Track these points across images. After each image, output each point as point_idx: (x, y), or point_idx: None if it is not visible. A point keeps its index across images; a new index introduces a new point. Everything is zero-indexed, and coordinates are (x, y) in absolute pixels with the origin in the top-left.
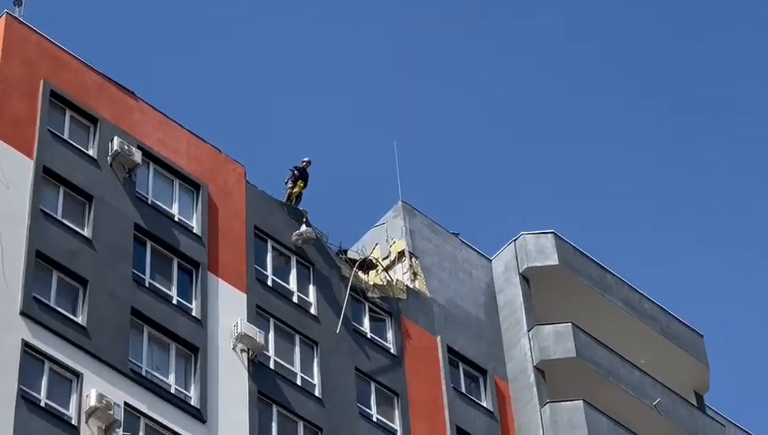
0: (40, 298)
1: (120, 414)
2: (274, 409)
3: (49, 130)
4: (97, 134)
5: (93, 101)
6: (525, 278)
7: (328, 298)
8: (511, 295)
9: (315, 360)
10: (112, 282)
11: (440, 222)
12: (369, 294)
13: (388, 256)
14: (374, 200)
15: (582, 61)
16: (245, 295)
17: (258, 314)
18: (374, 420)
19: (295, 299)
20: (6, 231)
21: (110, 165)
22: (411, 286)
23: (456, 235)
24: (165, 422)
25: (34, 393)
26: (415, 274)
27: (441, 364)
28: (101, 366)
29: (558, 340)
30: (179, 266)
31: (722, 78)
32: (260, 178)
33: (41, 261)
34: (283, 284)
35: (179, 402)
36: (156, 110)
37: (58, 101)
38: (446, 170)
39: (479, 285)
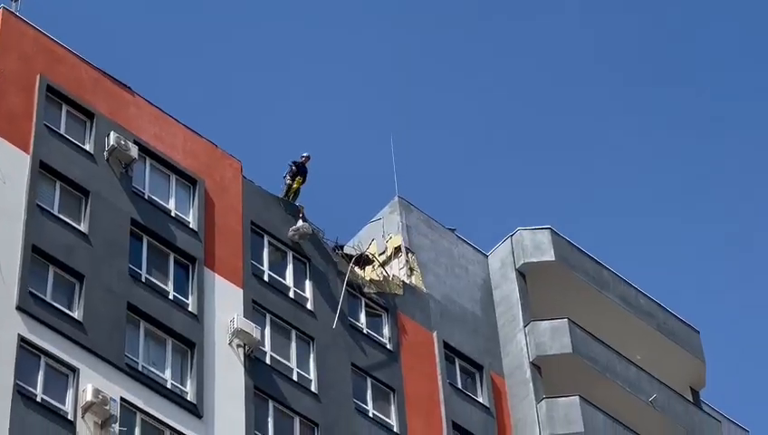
0: (36, 293)
1: (116, 409)
2: (270, 404)
3: (45, 125)
4: (93, 129)
5: (90, 95)
6: (522, 274)
7: (324, 294)
8: (507, 291)
9: (311, 355)
10: (109, 277)
11: (437, 218)
12: (366, 290)
13: (384, 252)
14: (371, 196)
15: (580, 58)
16: (242, 291)
17: (254, 309)
18: (370, 415)
19: (292, 294)
20: (2, 226)
21: (107, 160)
22: (407, 282)
23: (453, 230)
24: (161, 417)
25: (31, 388)
26: (411, 269)
27: (437, 360)
28: (98, 361)
29: (554, 336)
30: (176, 262)
31: (721, 76)
32: (257, 173)
33: (37, 256)
34: (280, 279)
35: (175, 398)
36: (152, 105)
37: (54, 95)
38: (442, 166)
39: (475, 281)
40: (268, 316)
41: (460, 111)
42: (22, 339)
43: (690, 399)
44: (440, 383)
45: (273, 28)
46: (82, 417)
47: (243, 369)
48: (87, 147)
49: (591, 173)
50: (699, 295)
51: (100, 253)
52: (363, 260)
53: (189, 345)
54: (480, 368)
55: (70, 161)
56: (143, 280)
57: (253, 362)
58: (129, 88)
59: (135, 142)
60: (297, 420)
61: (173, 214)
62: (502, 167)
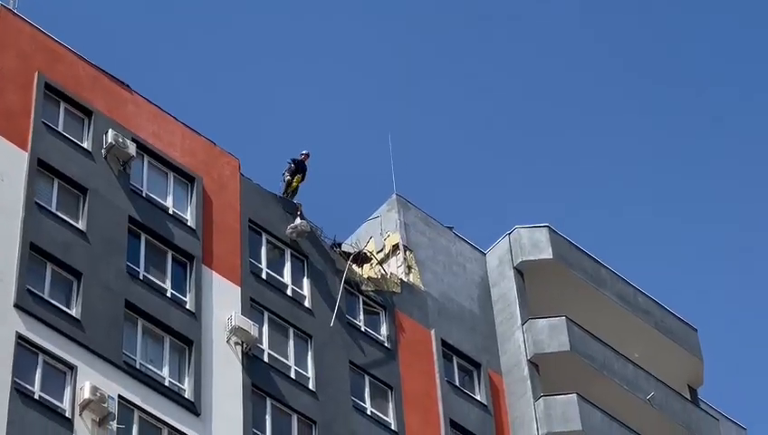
0: (34, 291)
1: (113, 407)
2: (268, 402)
3: (43, 123)
4: (91, 127)
5: (88, 93)
6: (519, 272)
7: (322, 291)
8: (505, 289)
9: (309, 353)
10: (106, 274)
11: (435, 215)
12: (364, 288)
13: (382, 250)
14: (368, 194)
15: (578, 56)
16: (240, 288)
17: (252, 306)
18: (368, 413)
19: (289, 292)
20: (0, 223)
21: (105, 157)
22: (405, 280)
23: (451, 228)
24: (159, 415)
25: (28, 386)
26: (409, 267)
27: (435, 358)
28: (95, 359)
29: (552, 334)
30: (174, 259)
31: (721, 75)
32: (254, 171)
33: (35, 253)
34: (278, 277)
35: (173, 395)
36: (150, 102)
37: (52, 93)
38: (440, 164)
39: (473, 279)
40: (266, 314)
41: (458, 109)
42: (19, 336)
43: (688, 397)
44: (438, 381)
45: (271, 26)
46: (80, 414)
47: (241, 367)
48: (85, 144)
49: (589, 171)
50: (697, 293)
51: (97, 250)
52: (361, 258)
53: (187, 343)
54: (478, 366)
55: (68, 159)
56: (141, 278)
57: (251, 359)
58: (127, 86)
59: (133, 140)
60: (295, 418)
61: (171, 212)
62: (500, 165)
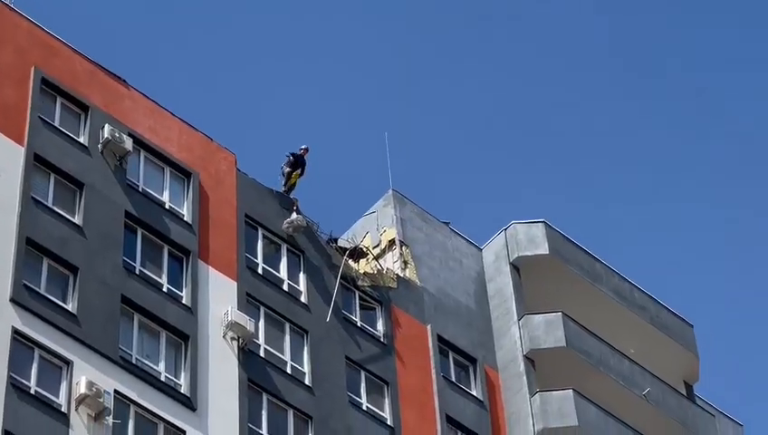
0: (30, 285)
1: (109, 402)
2: (264, 397)
3: (40, 118)
4: (88, 121)
5: (84, 88)
6: (516, 267)
7: (318, 286)
8: (501, 284)
9: (305, 348)
10: (103, 269)
11: (431, 211)
12: (360, 283)
13: (378, 245)
14: (365, 189)
15: (573, 53)
16: (236, 283)
17: (248, 302)
18: (364, 408)
19: (285, 287)
20: None
21: (101, 152)
22: (401, 275)
23: (447, 223)
24: (155, 410)
25: (24, 381)
26: (405, 262)
27: (431, 353)
28: (91, 354)
29: (548, 329)
30: (170, 254)
31: (719, 74)
32: (251, 166)
33: (31, 248)
34: (274, 272)
35: (169, 390)
36: (147, 97)
37: (49, 88)
38: (436, 159)
39: (469, 274)
40: (262, 309)
41: (454, 104)
42: (15, 331)
43: (684, 392)
44: (434, 376)
45: (268, 22)
46: (76, 409)
47: (237, 362)
48: (81, 139)
49: (586, 167)
50: (693, 289)
51: (94, 245)
52: (357, 253)
53: (183, 338)
54: (474, 361)
55: (64, 154)
56: (137, 273)
57: (247, 354)
58: (123, 81)
59: (129, 135)
60: (291, 413)
61: (167, 206)
62: (496, 160)
